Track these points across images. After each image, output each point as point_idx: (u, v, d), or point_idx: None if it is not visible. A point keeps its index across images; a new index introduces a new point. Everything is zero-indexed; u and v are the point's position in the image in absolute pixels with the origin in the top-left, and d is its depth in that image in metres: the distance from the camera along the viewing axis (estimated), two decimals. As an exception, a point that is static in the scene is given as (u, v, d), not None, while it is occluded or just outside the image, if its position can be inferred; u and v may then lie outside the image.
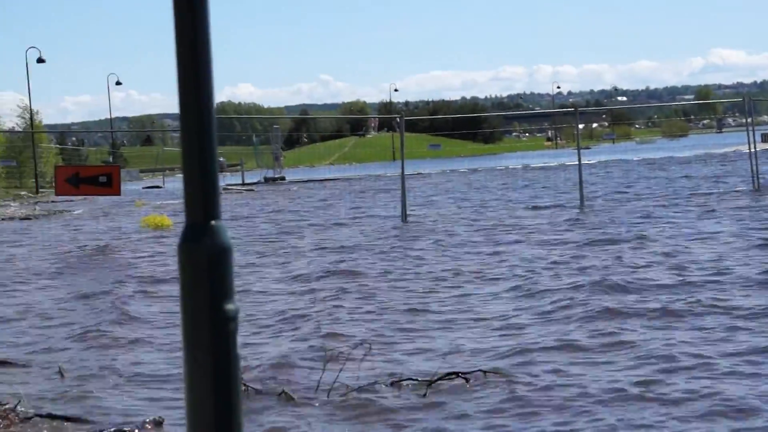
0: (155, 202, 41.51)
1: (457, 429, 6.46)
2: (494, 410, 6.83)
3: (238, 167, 64.00)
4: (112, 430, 6.43)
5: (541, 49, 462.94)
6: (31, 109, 69.44)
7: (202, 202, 3.27)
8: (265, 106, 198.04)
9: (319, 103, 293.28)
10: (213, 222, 3.27)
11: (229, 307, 3.28)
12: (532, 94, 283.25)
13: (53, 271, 16.49)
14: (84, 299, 12.81)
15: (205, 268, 3.25)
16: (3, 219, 33.25)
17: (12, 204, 44.67)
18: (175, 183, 65.59)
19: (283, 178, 58.51)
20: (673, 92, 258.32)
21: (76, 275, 15.84)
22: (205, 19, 3.23)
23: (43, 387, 7.86)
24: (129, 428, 6.47)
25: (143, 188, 59.87)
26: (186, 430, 3.39)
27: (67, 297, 13.21)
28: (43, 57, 63.77)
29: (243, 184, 54.31)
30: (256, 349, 9.04)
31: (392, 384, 7.48)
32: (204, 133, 3.27)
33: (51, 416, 6.77)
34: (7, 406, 6.92)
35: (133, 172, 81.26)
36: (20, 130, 73.09)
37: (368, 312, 10.84)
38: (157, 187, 62.08)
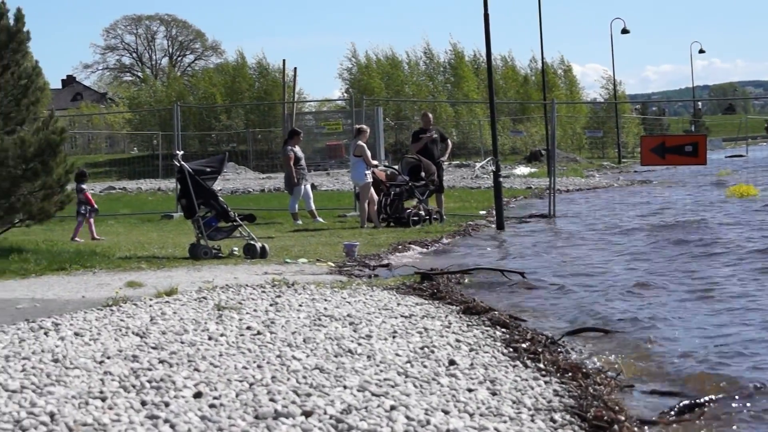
0: (739, 171, 40.30)
1: None
2: None
3: None
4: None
5: None
6: (614, 80, 70.87)
7: None
8: None
9: None
10: None
11: None
12: None
13: (649, 242, 16.49)
14: (689, 271, 12.58)
15: None
16: (588, 188, 34.15)
17: (596, 174, 45.71)
18: (760, 152, 63.36)
19: None
20: None
21: (671, 246, 15.63)
22: None
23: (637, 357, 7.76)
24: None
25: (726, 157, 58.42)
26: None
27: (665, 267, 13.08)
28: (627, 28, 64.45)
29: None
30: None
31: None
32: None
33: (653, 391, 6.74)
34: (608, 373, 6.97)
35: (716, 141, 79.59)
36: (602, 100, 74.94)
37: None
38: (740, 156, 60.34)
